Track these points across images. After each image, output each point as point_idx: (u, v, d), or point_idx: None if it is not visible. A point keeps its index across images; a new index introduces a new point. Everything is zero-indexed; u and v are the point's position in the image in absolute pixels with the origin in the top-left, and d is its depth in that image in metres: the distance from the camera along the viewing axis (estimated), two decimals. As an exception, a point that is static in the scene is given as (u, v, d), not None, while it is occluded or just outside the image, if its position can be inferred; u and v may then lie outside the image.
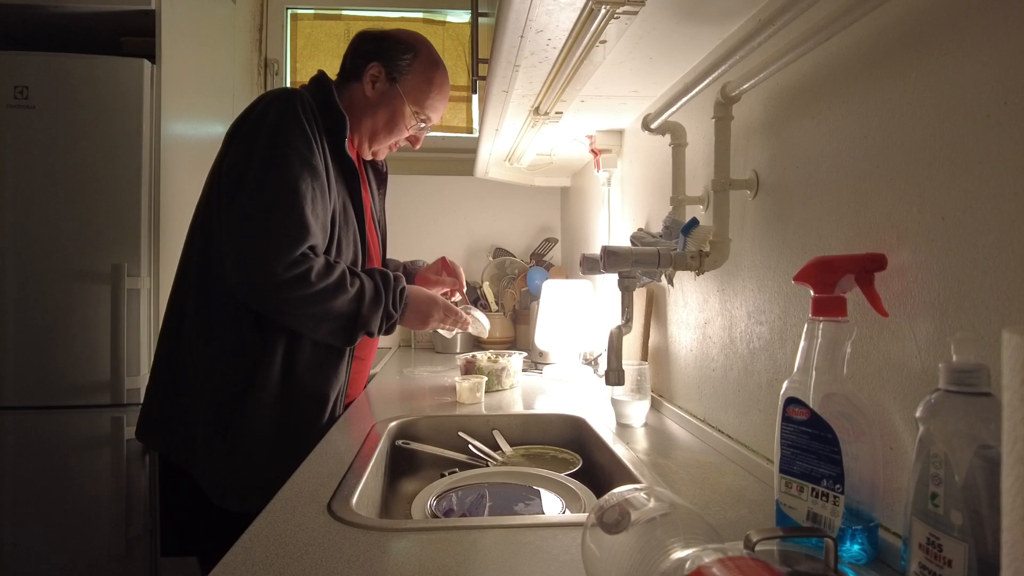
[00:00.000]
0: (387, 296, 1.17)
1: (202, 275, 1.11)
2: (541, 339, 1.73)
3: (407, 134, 1.30)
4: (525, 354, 1.78)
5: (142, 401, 1.17)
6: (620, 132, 1.60)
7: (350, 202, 1.21)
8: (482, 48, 1.48)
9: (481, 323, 1.42)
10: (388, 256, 1.60)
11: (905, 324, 0.59)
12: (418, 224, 2.58)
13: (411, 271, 1.56)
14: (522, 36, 0.96)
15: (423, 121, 1.29)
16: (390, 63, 1.23)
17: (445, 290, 1.50)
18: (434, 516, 0.83)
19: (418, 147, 1.35)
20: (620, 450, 0.97)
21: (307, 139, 1.09)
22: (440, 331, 1.36)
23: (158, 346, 1.17)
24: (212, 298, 1.10)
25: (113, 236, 1.72)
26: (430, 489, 0.90)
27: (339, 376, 1.19)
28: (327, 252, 1.13)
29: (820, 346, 0.59)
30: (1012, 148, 0.48)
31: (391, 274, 1.19)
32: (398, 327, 1.25)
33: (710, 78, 0.89)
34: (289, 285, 1.03)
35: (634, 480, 0.85)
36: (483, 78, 1.32)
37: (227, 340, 1.10)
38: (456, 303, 1.41)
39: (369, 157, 1.33)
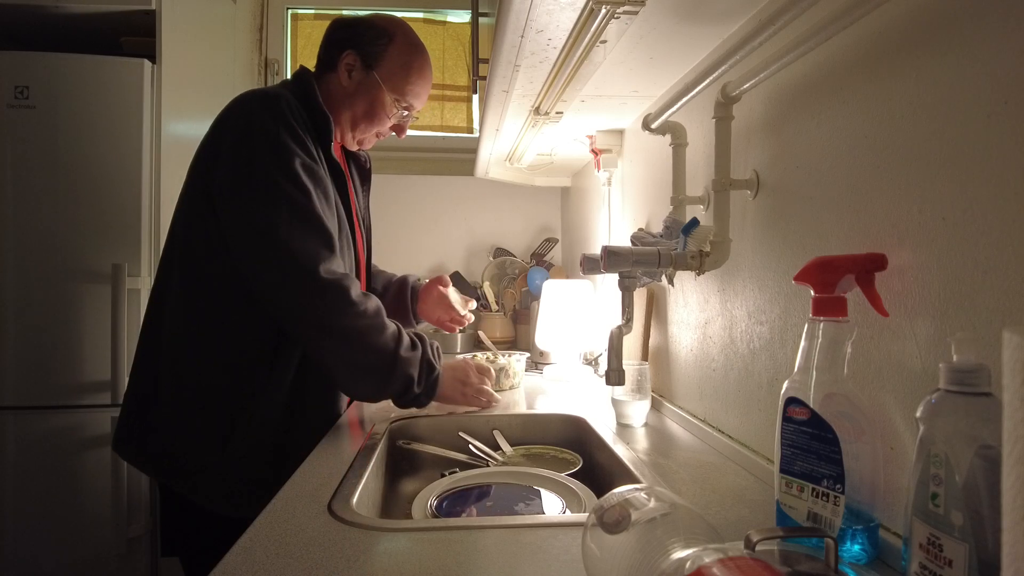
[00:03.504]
0: (424, 346, 1.09)
1: (186, 286, 1.06)
2: (541, 339, 1.73)
3: (390, 123, 1.24)
4: (527, 354, 1.78)
5: (120, 413, 1.10)
6: (620, 132, 1.60)
7: (341, 205, 1.16)
8: (482, 48, 1.48)
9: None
10: (384, 268, 1.54)
11: (905, 324, 0.59)
12: (418, 224, 2.58)
13: (414, 287, 1.48)
14: (522, 36, 0.96)
15: (405, 108, 1.23)
16: (364, 50, 1.17)
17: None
18: (434, 516, 0.83)
19: (404, 136, 1.29)
20: (620, 450, 0.97)
21: (304, 144, 1.05)
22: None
23: (136, 357, 1.10)
24: (201, 311, 1.05)
25: (113, 236, 1.72)
26: (430, 489, 0.90)
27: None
28: None
29: (820, 346, 0.59)
30: (1013, 148, 0.48)
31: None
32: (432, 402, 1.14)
33: (710, 78, 0.89)
34: (332, 289, 0.98)
35: (634, 480, 0.85)
36: (483, 78, 1.32)
37: (223, 356, 1.05)
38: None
39: (354, 148, 1.27)
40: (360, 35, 1.18)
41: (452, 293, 1.46)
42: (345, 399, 1.17)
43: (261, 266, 1.00)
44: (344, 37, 1.19)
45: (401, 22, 1.22)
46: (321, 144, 1.12)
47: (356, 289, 1.02)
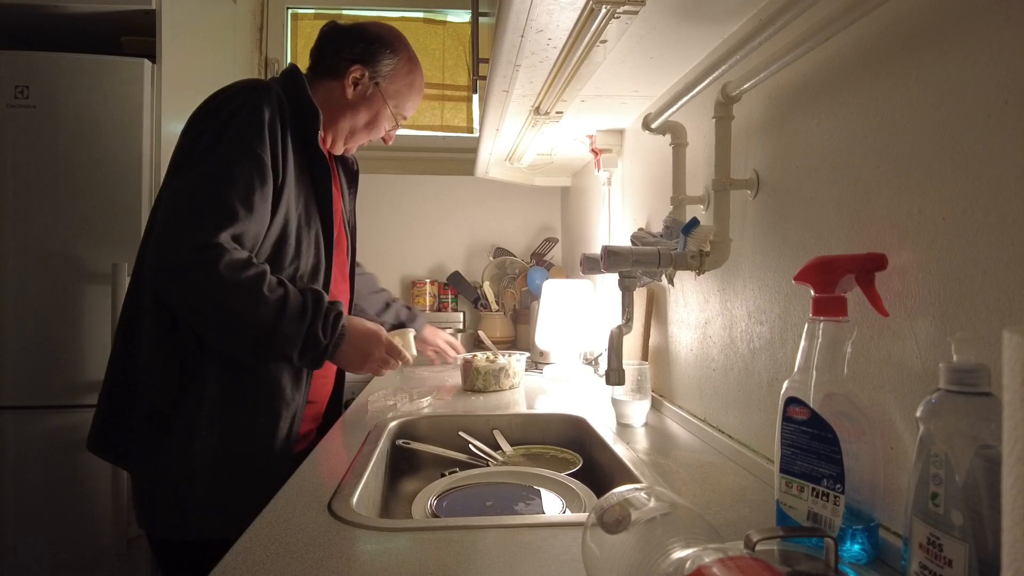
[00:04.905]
0: (315, 317, 1.00)
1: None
2: (541, 339, 1.73)
3: (384, 133, 1.27)
4: (527, 354, 1.78)
5: (95, 410, 1.07)
6: (620, 132, 1.60)
7: (314, 201, 1.13)
8: (482, 48, 1.48)
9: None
10: (386, 288, 1.57)
11: (905, 324, 0.59)
12: (418, 224, 2.58)
13: (413, 315, 1.54)
14: (522, 36, 0.96)
15: (400, 118, 1.27)
16: (373, 67, 1.19)
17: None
18: (434, 516, 0.83)
19: (391, 143, 1.31)
20: (620, 450, 0.97)
21: (259, 130, 1.02)
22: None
23: (111, 351, 1.09)
24: (148, 298, 1.01)
25: (113, 236, 1.72)
26: (430, 489, 0.90)
27: (299, 388, 1.07)
28: (280, 254, 1.05)
29: (821, 346, 0.59)
30: (1013, 148, 0.48)
31: (327, 298, 1.05)
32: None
33: (711, 78, 0.89)
34: (191, 269, 0.91)
35: (634, 480, 0.85)
36: (483, 78, 1.32)
37: (159, 343, 1.00)
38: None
39: (340, 152, 1.27)
40: (370, 53, 1.19)
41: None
42: (283, 432, 1.05)
43: (156, 232, 0.96)
44: (352, 49, 1.18)
45: (400, 35, 1.24)
46: (304, 136, 1.11)
47: (233, 259, 0.94)
